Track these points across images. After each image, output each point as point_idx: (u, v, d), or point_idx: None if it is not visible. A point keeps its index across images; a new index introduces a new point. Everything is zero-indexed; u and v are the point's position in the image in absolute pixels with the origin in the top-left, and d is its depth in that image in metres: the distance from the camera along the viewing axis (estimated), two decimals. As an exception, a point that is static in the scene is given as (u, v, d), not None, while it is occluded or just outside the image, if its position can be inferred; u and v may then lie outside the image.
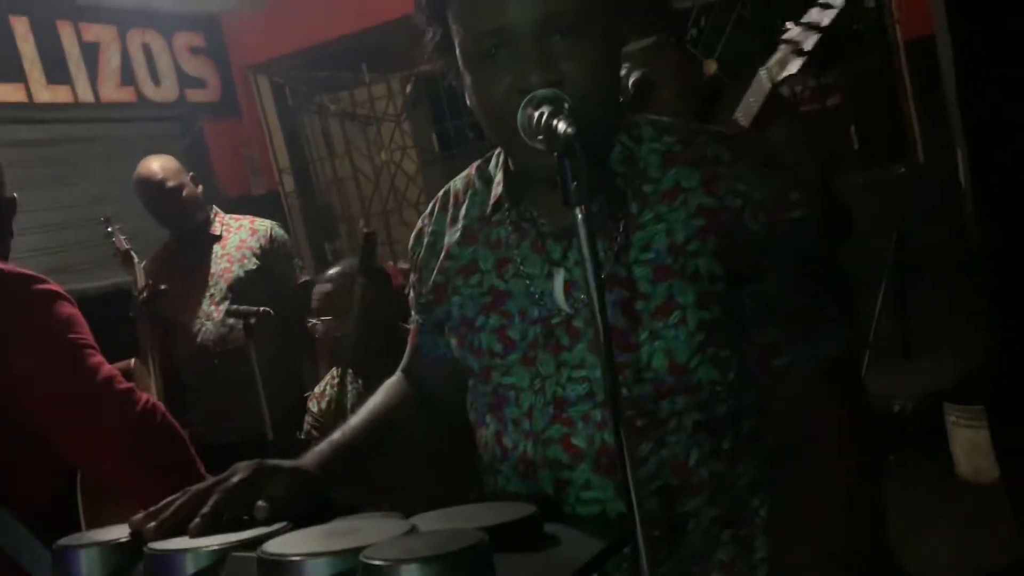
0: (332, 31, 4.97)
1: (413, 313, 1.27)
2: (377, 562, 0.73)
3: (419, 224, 1.24)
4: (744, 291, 1.01)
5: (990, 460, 3.25)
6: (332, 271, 2.25)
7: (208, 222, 2.94)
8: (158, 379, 2.28)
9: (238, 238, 2.93)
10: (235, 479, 0.97)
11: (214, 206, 3.02)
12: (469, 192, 1.17)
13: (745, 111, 1.76)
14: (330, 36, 5.01)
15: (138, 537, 0.93)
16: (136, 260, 2.50)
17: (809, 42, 1.74)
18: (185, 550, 0.87)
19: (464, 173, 1.21)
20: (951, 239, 3.32)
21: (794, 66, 1.75)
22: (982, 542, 2.90)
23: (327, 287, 2.19)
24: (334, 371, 2.31)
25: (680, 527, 1.03)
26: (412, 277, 1.24)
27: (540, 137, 0.86)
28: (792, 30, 1.77)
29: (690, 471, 1.02)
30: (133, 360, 2.01)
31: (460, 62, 1.00)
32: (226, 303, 2.76)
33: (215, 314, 2.78)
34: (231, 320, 2.72)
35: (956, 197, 3.14)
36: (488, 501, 1.07)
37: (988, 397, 3.08)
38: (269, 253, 2.92)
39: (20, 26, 4.16)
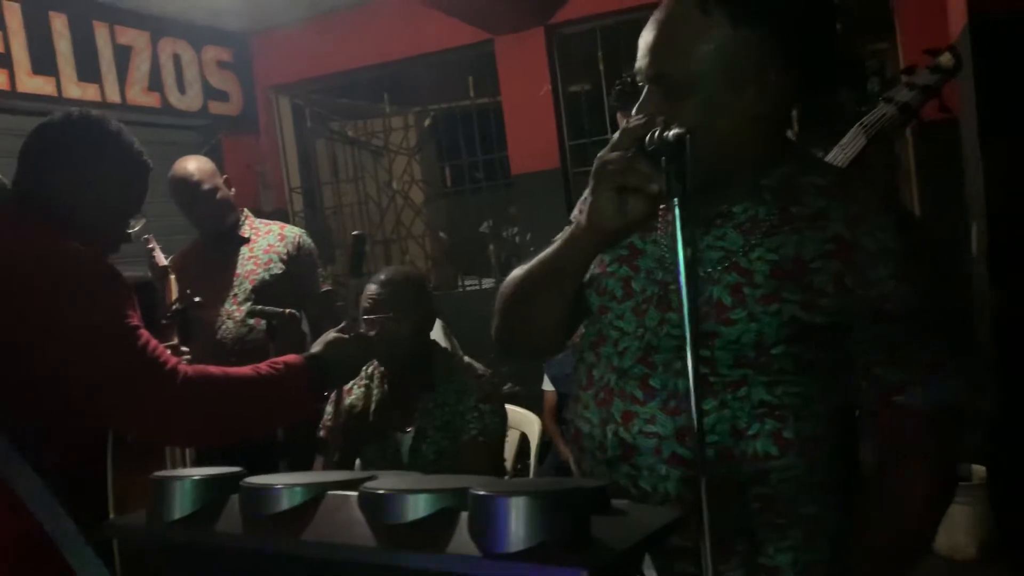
0: (355, 61, 5.11)
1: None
2: (484, 493, 0.76)
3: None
4: (872, 331, 1.12)
5: (969, 537, 3.34)
6: (382, 275, 2.32)
7: (238, 224, 2.98)
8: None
9: (266, 242, 2.97)
10: None
11: (245, 209, 3.08)
12: None
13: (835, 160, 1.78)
14: (353, 65, 5.15)
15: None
16: (172, 276, 2.55)
17: (915, 101, 1.77)
18: (281, 486, 0.90)
19: None
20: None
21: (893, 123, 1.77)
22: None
23: (377, 289, 2.26)
24: (364, 371, 2.36)
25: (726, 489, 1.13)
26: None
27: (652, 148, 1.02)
28: (896, 89, 1.81)
29: (746, 440, 1.13)
30: None
31: None
32: (248, 304, 2.80)
33: (236, 313, 2.82)
34: (251, 320, 2.76)
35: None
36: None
37: (990, 460, 3.17)
38: (296, 259, 2.97)
39: (58, 22, 4.28)
